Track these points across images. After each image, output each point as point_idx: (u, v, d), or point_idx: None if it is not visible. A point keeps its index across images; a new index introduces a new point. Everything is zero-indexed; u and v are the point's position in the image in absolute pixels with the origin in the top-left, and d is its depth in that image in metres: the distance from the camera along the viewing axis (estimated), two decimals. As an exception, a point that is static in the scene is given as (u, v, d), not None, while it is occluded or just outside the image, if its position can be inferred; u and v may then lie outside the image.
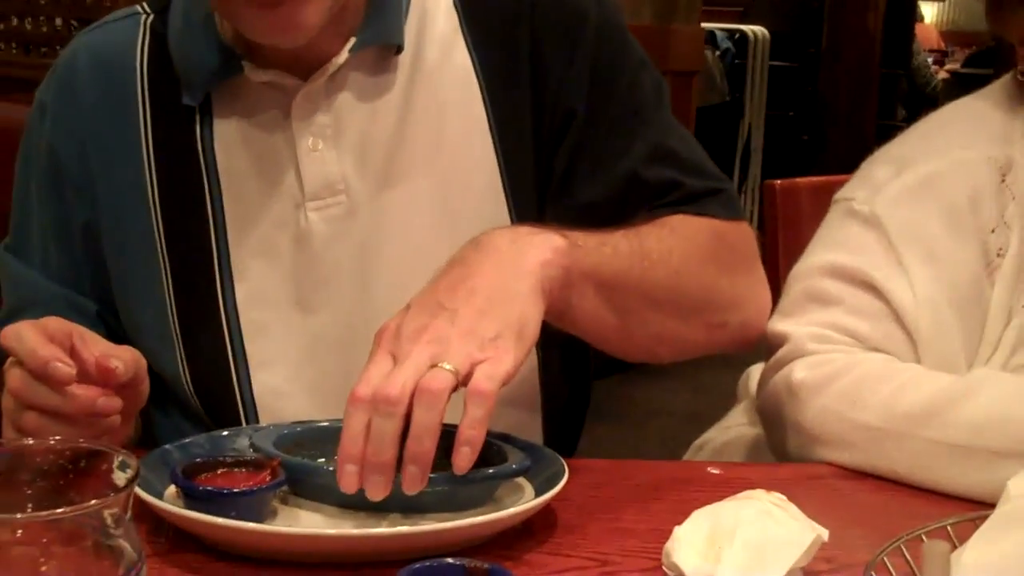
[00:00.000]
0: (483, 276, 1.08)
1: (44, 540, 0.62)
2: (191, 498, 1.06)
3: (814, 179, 1.92)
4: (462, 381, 1.01)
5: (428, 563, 0.96)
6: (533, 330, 1.07)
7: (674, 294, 1.26)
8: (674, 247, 1.25)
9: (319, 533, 1.04)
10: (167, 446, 1.17)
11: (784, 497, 1.04)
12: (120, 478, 0.64)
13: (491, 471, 1.09)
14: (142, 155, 1.33)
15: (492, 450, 1.12)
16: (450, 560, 0.97)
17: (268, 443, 1.14)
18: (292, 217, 1.31)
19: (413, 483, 1.01)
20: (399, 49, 1.31)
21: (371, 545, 1.02)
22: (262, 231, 1.31)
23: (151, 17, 1.38)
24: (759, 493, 1.04)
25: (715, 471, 1.28)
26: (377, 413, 1.00)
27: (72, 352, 1.08)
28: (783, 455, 1.34)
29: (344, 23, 1.29)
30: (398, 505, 1.06)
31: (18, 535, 0.62)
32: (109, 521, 0.62)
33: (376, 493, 1.01)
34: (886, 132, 1.73)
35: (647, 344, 1.30)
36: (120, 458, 0.66)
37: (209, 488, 1.07)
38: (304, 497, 1.11)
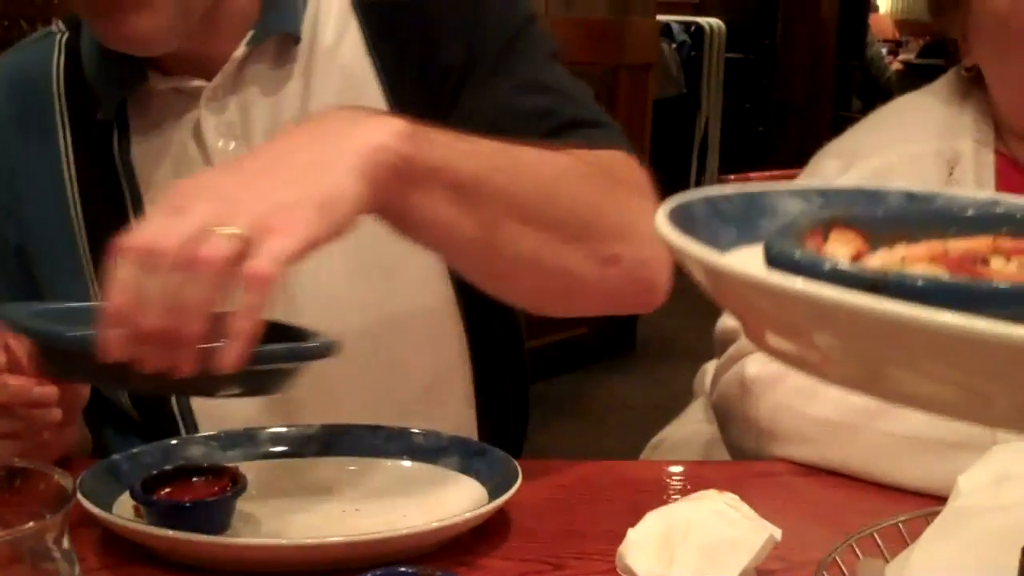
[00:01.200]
0: (298, 146, 0.97)
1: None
2: (152, 512, 1.05)
3: (766, 174, 1.93)
4: (244, 251, 0.86)
5: (380, 572, 0.95)
6: (343, 210, 0.91)
7: (549, 208, 1.10)
8: (547, 159, 1.11)
9: (278, 544, 1.03)
10: (115, 456, 1.15)
11: (737, 497, 1.04)
12: (56, 498, 0.63)
13: (276, 348, 0.99)
14: (64, 176, 1.32)
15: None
16: (403, 569, 0.96)
17: (21, 315, 1.03)
18: None
19: (175, 366, 0.88)
20: (298, 39, 1.30)
21: (328, 553, 1.01)
22: None
23: (66, 35, 1.36)
24: (712, 493, 1.04)
25: (671, 470, 1.28)
26: (146, 268, 0.86)
27: (5, 347, 1.06)
28: (739, 452, 1.34)
29: (241, 18, 1.27)
30: None
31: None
32: (48, 543, 0.61)
33: (145, 365, 0.88)
34: (842, 123, 1.74)
35: (523, 270, 1.12)
36: (56, 476, 0.64)
37: (172, 502, 1.06)
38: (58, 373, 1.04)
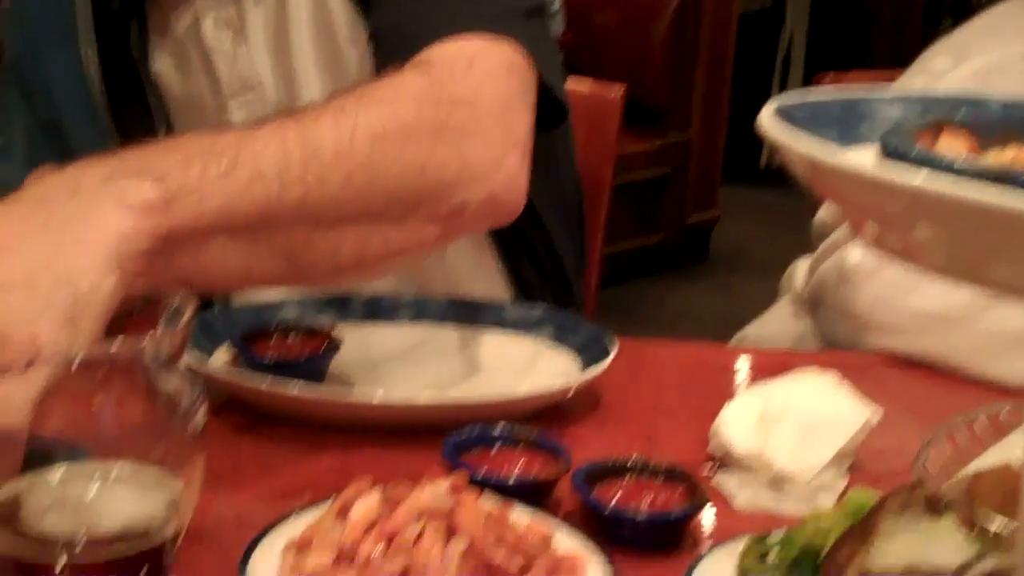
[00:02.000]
0: (24, 250, 0.76)
1: (98, 378, 0.62)
2: (249, 365, 1.06)
3: (865, 72, 1.88)
4: None
5: (476, 431, 0.96)
6: (92, 316, 0.74)
7: (366, 196, 0.93)
8: (360, 126, 0.92)
9: (371, 401, 1.03)
10: (210, 313, 1.16)
11: (836, 377, 1.03)
12: (175, 318, 0.63)
13: None
14: (86, 62, 1.31)
15: None
16: (498, 428, 0.96)
17: None
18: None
19: None
20: None
21: (420, 414, 1.02)
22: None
23: None
24: (811, 374, 1.03)
25: (762, 356, 1.27)
26: None
27: None
28: (832, 343, 1.33)
29: None
30: None
31: (72, 372, 0.61)
32: (164, 361, 0.62)
33: None
34: (931, 42, 1.69)
35: (353, 265, 0.98)
36: (176, 301, 0.65)
37: (269, 355, 1.07)
38: None
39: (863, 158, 0.55)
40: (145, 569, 0.62)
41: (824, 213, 1.35)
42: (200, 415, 0.64)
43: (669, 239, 4.58)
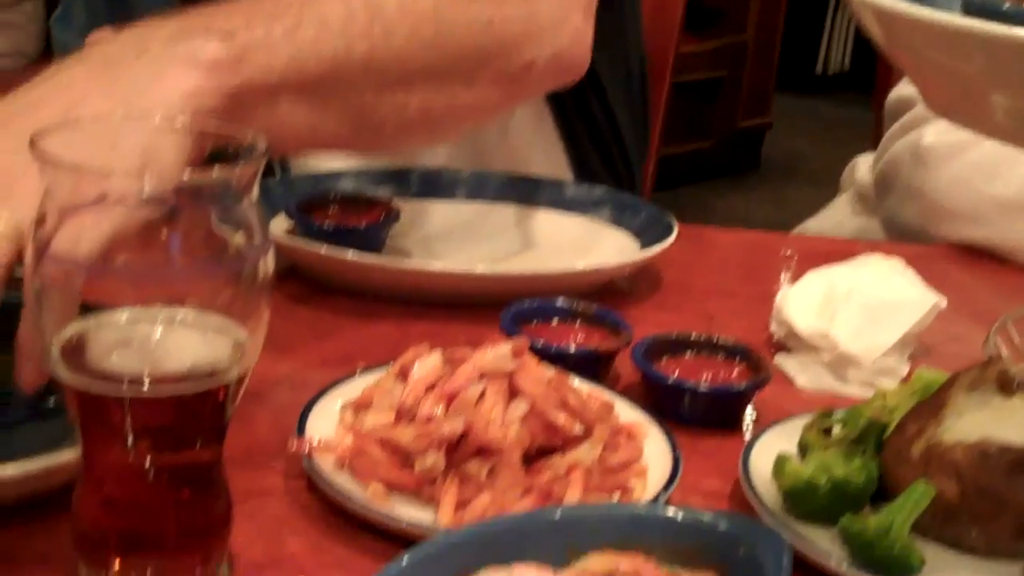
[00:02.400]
0: (89, 102, 0.75)
1: (169, 210, 0.61)
2: (307, 232, 1.05)
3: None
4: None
5: (537, 303, 0.95)
6: (165, 177, 0.63)
7: (431, 54, 0.91)
8: None
9: (429, 270, 1.02)
10: (268, 181, 1.15)
11: (902, 262, 1.01)
12: (248, 154, 0.62)
13: None
14: None
15: None
16: (559, 301, 0.95)
17: None
18: None
19: None
20: None
21: (477, 284, 1.01)
22: None
23: None
24: (877, 258, 1.01)
25: (824, 244, 1.25)
26: None
27: None
28: (897, 228, 1.30)
29: None
30: None
31: (143, 211, 0.60)
32: (235, 197, 0.61)
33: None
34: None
35: (413, 134, 0.97)
36: (249, 136, 0.63)
37: (332, 224, 1.07)
38: None
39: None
40: (209, 409, 0.62)
41: (898, 92, 1.31)
42: (269, 257, 0.63)
43: (720, 144, 4.53)
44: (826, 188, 1.74)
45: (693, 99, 4.25)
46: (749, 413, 0.88)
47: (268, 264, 0.63)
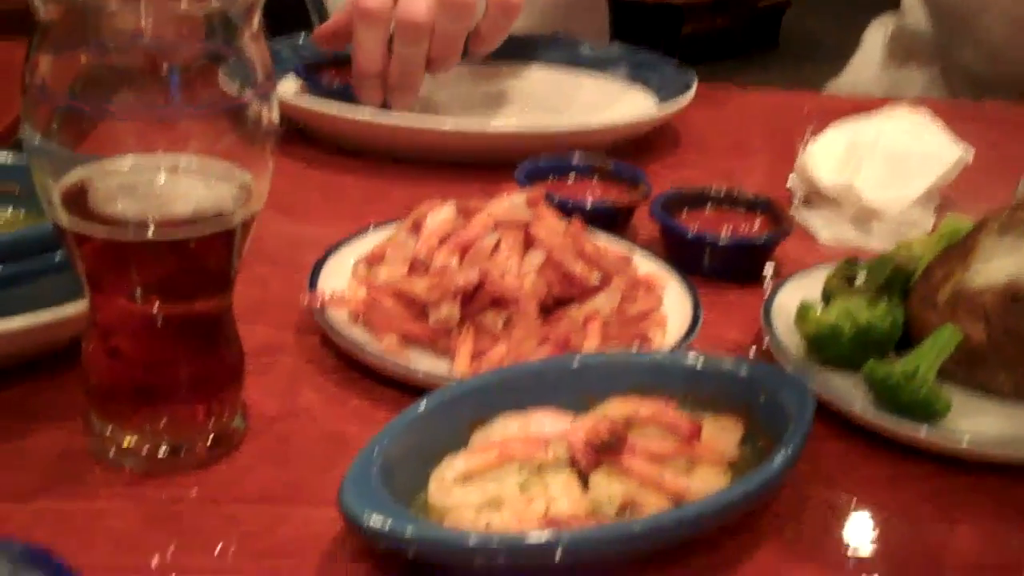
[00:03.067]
0: None
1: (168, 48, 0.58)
2: (315, 91, 1.03)
3: None
4: None
5: (553, 159, 0.92)
6: None
7: None
8: None
9: (442, 128, 0.99)
10: (276, 40, 1.12)
11: (928, 115, 0.98)
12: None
13: None
14: None
15: None
16: (575, 156, 0.93)
17: None
18: None
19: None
20: None
21: (491, 142, 0.98)
22: None
23: None
24: (902, 110, 0.98)
25: (850, 101, 1.21)
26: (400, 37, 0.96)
27: None
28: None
29: None
30: None
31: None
32: (234, 29, 0.58)
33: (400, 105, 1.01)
34: None
35: None
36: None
37: (341, 83, 1.04)
38: None
39: None
40: (215, 255, 0.60)
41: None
42: (273, 101, 0.61)
43: (738, 22, 4.44)
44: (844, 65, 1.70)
45: (712, -24, 4.16)
46: (771, 267, 0.86)
47: (273, 108, 0.61)
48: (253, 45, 0.59)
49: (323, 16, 1.28)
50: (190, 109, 0.59)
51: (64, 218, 0.58)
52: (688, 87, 1.05)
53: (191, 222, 0.58)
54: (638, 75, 1.11)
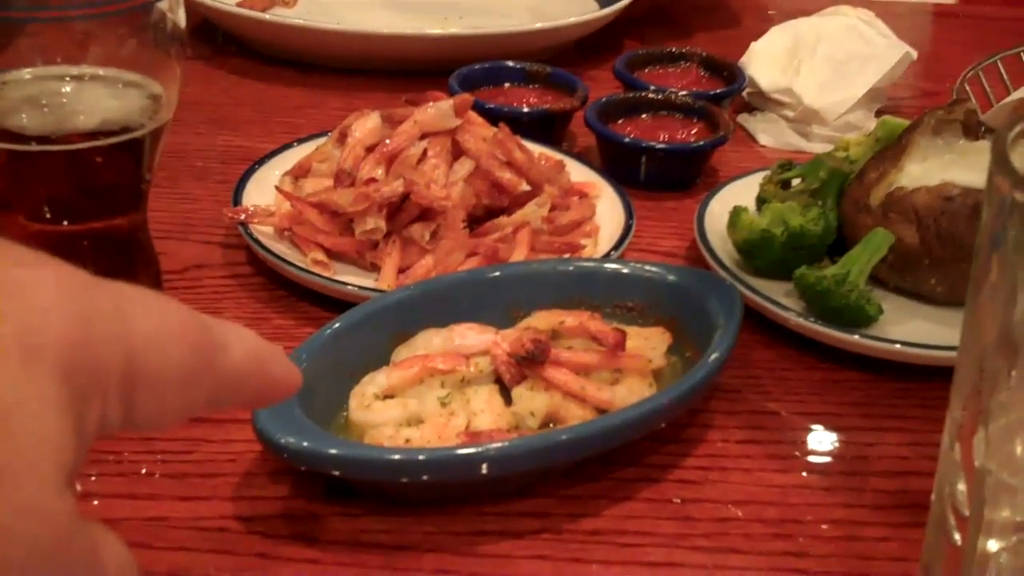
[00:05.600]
0: None
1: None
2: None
3: None
4: None
5: (487, 65, 0.90)
6: None
7: None
8: None
9: (380, 32, 0.97)
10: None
11: (872, 14, 0.96)
12: None
13: None
14: None
15: None
16: (509, 62, 0.91)
17: None
18: None
19: None
20: None
21: (427, 47, 0.96)
22: None
23: None
24: (846, 9, 0.96)
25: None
26: None
27: None
28: None
29: None
30: None
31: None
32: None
33: None
34: None
35: None
36: None
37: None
38: None
39: None
40: (125, 167, 0.58)
41: None
42: (178, 5, 0.58)
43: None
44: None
45: None
46: (709, 173, 0.85)
47: (178, 11, 0.58)
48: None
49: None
50: (91, 11, 0.57)
51: (-35, 134, 0.56)
52: None
53: (97, 134, 0.56)
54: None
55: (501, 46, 0.94)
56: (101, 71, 0.58)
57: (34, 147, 0.56)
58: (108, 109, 0.57)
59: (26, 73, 0.57)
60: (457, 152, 0.72)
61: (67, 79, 0.58)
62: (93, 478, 0.55)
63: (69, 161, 0.56)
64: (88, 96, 0.58)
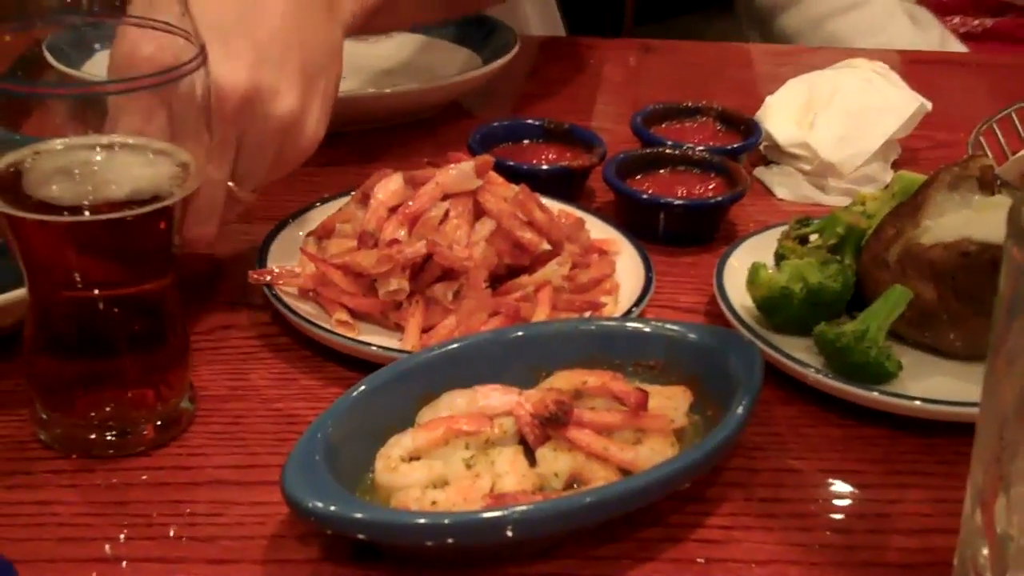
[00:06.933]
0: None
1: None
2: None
3: None
4: None
5: (506, 123, 0.92)
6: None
7: None
8: None
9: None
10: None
11: (886, 66, 0.97)
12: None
13: None
14: None
15: None
16: (529, 119, 0.92)
17: None
18: None
19: None
20: None
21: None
22: None
23: None
24: (860, 61, 0.97)
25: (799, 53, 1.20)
26: None
27: None
28: None
29: None
30: None
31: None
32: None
33: None
34: None
35: None
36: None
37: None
38: None
39: None
40: (154, 234, 0.59)
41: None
42: (203, 75, 0.59)
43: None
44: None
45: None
46: (728, 228, 0.86)
47: (205, 82, 0.59)
48: (184, 18, 0.58)
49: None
50: (123, 85, 0.58)
51: (0, 204, 0.57)
52: (511, 47, 1.07)
53: (128, 203, 0.57)
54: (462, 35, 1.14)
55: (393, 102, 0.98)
56: (131, 140, 0.59)
57: (66, 217, 0.57)
58: (138, 178, 0.58)
59: (57, 144, 0.59)
60: (478, 212, 0.73)
61: (97, 148, 0.59)
62: (123, 540, 0.56)
63: (100, 230, 0.57)
64: (118, 165, 0.59)
